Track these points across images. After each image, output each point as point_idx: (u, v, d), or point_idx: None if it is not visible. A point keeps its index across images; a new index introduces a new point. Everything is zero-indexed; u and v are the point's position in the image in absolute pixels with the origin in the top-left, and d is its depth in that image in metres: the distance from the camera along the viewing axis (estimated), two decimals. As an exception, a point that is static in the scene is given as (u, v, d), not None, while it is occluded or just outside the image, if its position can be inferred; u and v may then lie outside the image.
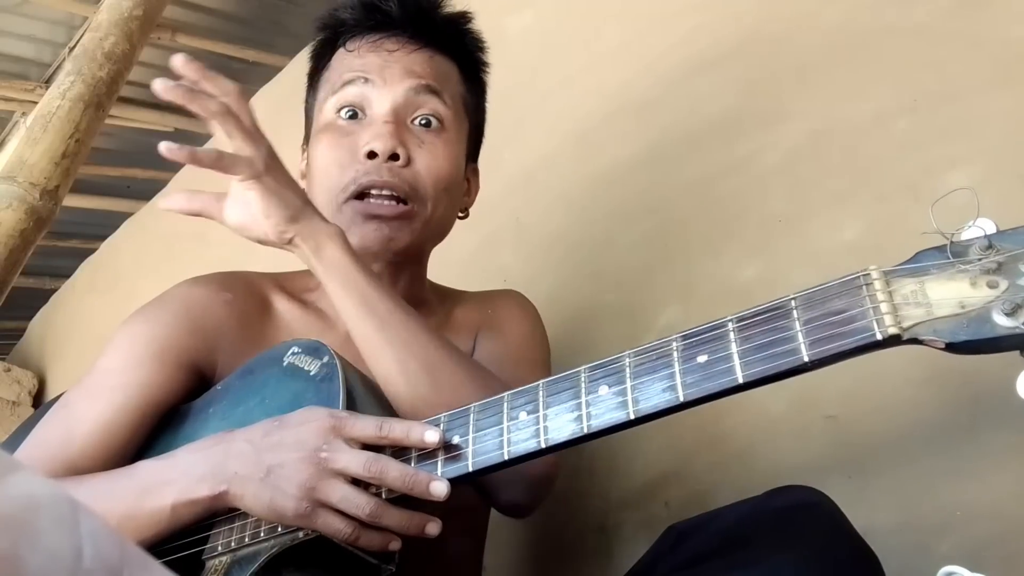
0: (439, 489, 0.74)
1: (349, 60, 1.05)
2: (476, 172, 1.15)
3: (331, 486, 0.74)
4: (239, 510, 0.80)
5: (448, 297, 1.15)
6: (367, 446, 0.76)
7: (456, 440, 0.75)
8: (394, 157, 0.98)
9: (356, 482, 0.75)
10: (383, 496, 0.75)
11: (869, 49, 1.18)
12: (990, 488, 0.90)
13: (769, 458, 1.09)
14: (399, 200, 0.99)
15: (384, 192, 0.98)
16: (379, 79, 1.01)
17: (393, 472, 0.74)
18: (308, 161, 1.08)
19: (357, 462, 0.74)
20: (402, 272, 1.06)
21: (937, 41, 1.11)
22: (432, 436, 0.75)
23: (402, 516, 0.75)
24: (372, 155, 0.98)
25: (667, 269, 1.31)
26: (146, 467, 0.85)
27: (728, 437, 1.14)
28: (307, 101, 1.12)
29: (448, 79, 1.06)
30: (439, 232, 1.07)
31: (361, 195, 0.99)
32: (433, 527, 0.75)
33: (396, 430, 0.76)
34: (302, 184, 1.07)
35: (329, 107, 1.03)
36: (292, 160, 1.15)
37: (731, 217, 1.26)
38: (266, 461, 0.76)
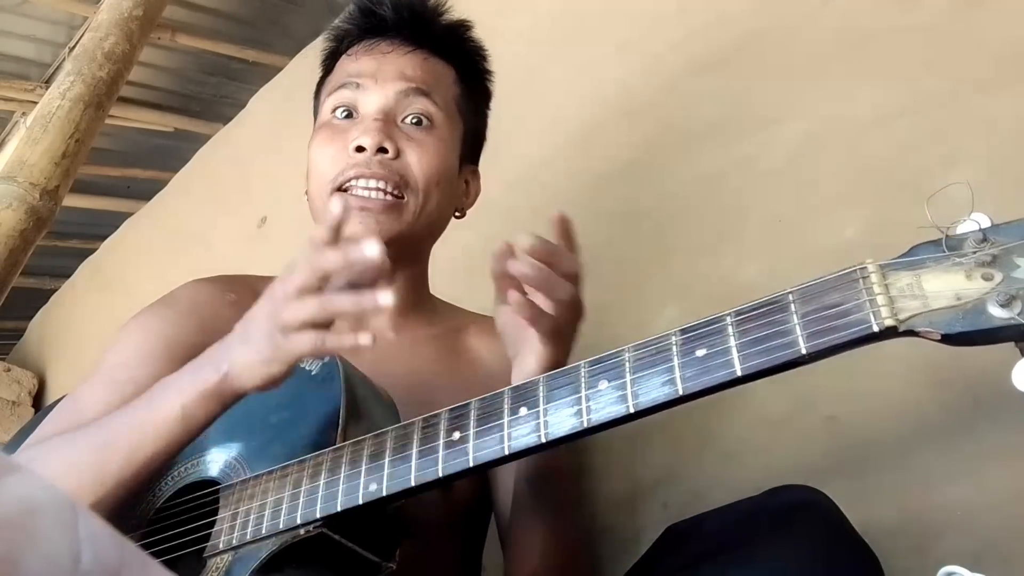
0: (386, 298, 0.69)
1: (347, 64, 1.09)
2: (476, 175, 1.16)
3: (286, 311, 0.74)
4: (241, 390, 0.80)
5: (456, 315, 1.16)
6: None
7: (457, 436, 0.76)
8: (383, 151, 1.00)
9: None
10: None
11: (869, 49, 1.18)
12: (990, 488, 0.90)
13: (769, 459, 1.09)
14: (388, 193, 1.00)
15: (371, 184, 0.99)
16: (371, 81, 1.04)
17: (341, 298, 0.72)
18: (308, 157, 1.10)
19: (307, 305, 0.73)
20: (398, 271, 1.06)
21: (937, 41, 1.11)
22: (373, 247, 0.70)
23: (350, 297, 0.72)
24: (360, 149, 1.00)
25: (667, 269, 1.31)
26: (154, 386, 0.86)
27: (728, 438, 1.14)
28: (314, 107, 1.16)
29: (441, 81, 1.08)
30: (432, 227, 1.08)
31: (348, 187, 1.01)
32: (386, 297, 0.70)
33: (330, 256, 0.73)
34: (307, 184, 1.10)
35: (326, 108, 1.07)
36: (292, 159, 1.16)
37: (731, 217, 1.26)
38: (244, 332, 0.78)
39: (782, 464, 1.07)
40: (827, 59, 1.22)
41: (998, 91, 1.03)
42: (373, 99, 1.04)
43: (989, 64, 1.05)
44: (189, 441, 0.82)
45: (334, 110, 1.06)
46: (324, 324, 0.73)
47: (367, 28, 1.10)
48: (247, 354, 0.77)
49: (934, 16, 1.13)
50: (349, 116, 1.05)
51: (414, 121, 1.04)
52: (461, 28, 1.13)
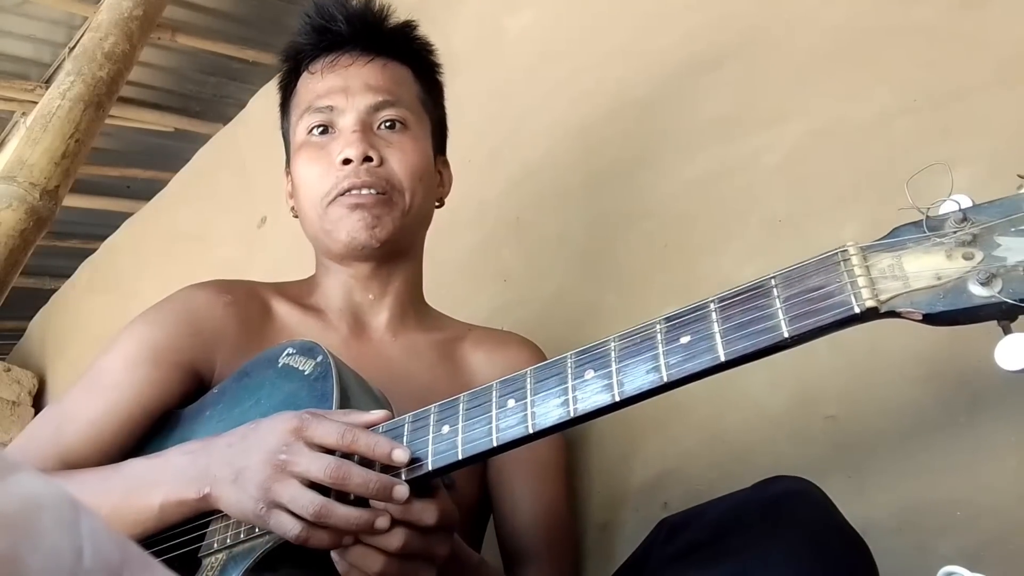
0: (401, 493, 0.74)
1: (312, 84, 1.12)
2: (446, 164, 1.21)
3: (284, 486, 0.74)
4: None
5: (453, 324, 1.18)
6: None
7: (446, 429, 0.76)
8: (368, 159, 1.04)
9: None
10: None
11: (869, 49, 1.18)
12: (990, 488, 0.90)
13: (768, 458, 1.09)
14: (379, 194, 1.05)
15: (364, 192, 1.04)
16: (342, 99, 1.08)
17: (356, 479, 0.74)
18: (292, 179, 1.14)
19: (318, 466, 0.74)
20: (395, 272, 1.10)
21: (937, 41, 1.11)
22: (400, 455, 0.75)
23: (350, 515, 0.74)
24: (347, 162, 1.04)
25: (667, 269, 1.31)
26: (136, 465, 0.88)
27: (727, 437, 1.14)
28: (283, 126, 1.19)
29: (403, 84, 1.13)
30: (421, 220, 1.12)
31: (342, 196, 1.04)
32: (383, 521, 0.74)
33: (361, 442, 0.75)
34: (289, 203, 1.15)
35: (301, 129, 1.11)
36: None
37: (731, 217, 1.26)
38: (237, 464, 0.78)
39: (782, 464, 1.07)
40: (827, 59, 1.22)
41: (998, 91, 1.03)
42: (348, 115, 1.08)
43: (990, 64, 1.05)
44: (160, 531, 0.84)
45: (310, 130, 1.09)
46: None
47: (324, 45, 1.13)
48: (230, 496, 0.78)
49: (935, 16, 1.13)
50: (325, 132, 1.09)
51: (388, 126, 1.09)
52: (408, 28, 1.17)
